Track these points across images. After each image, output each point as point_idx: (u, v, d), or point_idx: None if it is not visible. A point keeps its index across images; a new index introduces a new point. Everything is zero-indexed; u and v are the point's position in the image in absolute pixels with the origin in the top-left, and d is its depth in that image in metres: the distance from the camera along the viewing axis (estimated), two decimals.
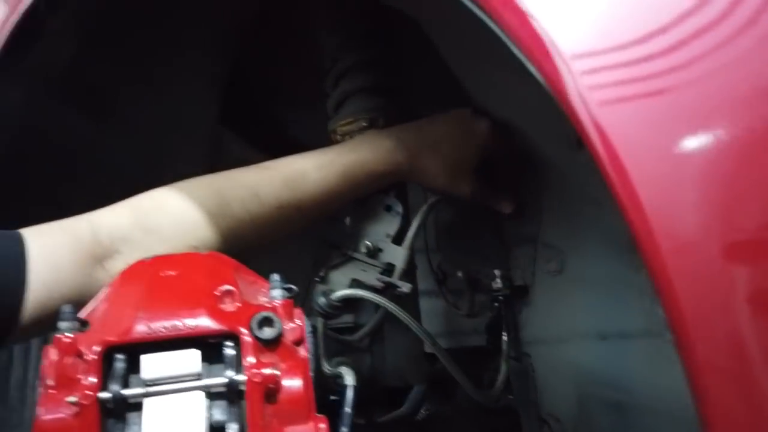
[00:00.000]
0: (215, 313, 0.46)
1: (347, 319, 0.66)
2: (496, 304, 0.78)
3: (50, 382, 0.45)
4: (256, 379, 0.44)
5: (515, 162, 0.76)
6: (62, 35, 0.77)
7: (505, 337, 0.75)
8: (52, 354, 0.46)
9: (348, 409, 0.48)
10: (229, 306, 0.48)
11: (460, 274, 0.83)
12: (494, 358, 0.79)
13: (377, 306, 0.66)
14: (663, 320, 0.35)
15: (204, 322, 0.46)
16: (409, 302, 0.69)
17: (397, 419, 0.91)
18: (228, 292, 0.49)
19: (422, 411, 0.92)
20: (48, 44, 0.73)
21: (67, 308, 0.48)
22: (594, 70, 0.42)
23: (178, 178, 0.65)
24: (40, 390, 0.45)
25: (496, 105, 0.72)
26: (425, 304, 0.92)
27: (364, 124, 0.73)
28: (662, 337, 0.59)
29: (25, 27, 0.70)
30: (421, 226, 0.69)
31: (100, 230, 0.58)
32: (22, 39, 0.73)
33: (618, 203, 0.38)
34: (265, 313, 0.47)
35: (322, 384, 0.62)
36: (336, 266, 0.67)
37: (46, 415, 0.43)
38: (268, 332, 0.46)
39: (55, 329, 0.58)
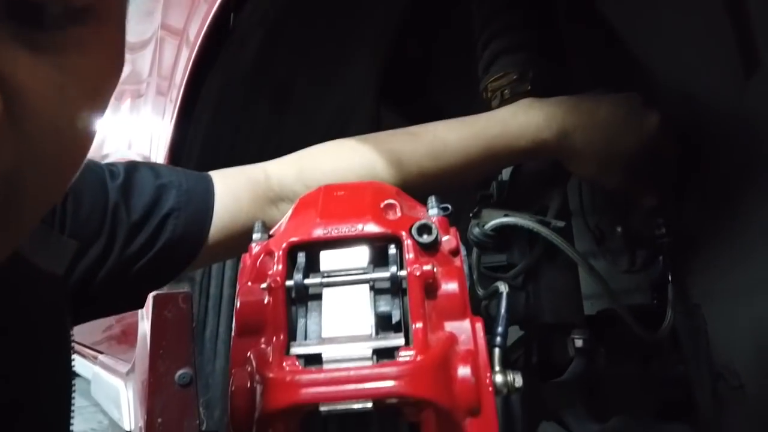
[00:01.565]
0: (380, 220, 0.52)
1: (501, 258, 0.68)
2: (661, 258, 0.75)
3: (246, 278, 0.53)
4: (416, 273, 0.48)
5: (679, 166, 0.71)
6: (247, 33, 0.91)
7: (670, 287, 0.71)
8: (248, 259, 0.55)
9: (503, 312, 0.51)
10: (392, 216, 0.53)
11: (619, 229, 0.81)
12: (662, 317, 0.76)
13: (531, 247, 0.68)
14: None
15: (371, 227, 0.51)
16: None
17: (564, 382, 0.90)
18: (390, 205, 0.54)
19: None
20: (235, 40, 0.87)
21: (259, 223, 0.57)
22: None
23: None
24: (239, 286, 0.54)
25: (659, 47, 0.70)
26: None
27: (515, 77, 0.75)
28: None
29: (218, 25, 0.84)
30: None
31: (271, 178, 0.69)
32: (215, 36, 0.88)
33: None
34: (423, 221, 0.52)
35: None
36: (489, 205, 0.70)
37: (245, 301, 0.51)
38: (426, 237, 0.51)
39: (236, 253, 0.68)
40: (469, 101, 0.90)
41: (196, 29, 0.90)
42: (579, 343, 0.93)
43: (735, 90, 0.62)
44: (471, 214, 0.69)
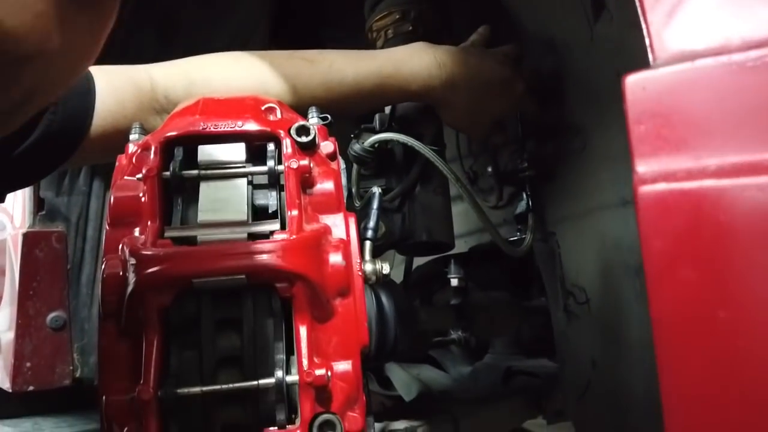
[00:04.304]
0: (260, 120, 0.54)
1: (380, 183, 0.72)
2: (524, 193, 0.82)
3: (122, 174, 0.53)
4: (292, 165, 0.51)
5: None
6: None
7: (530, 216, 0.79)
8: (123, 158, 0.55)
9: (374, 208, 0.54)
10: (272, 118, 0.55)
11: (489, 169, 0.88)
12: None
13: (407, 172, 0.72)
14: None
15: (250, 124, 0.53)
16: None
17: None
18: (271, 108, 0.56)
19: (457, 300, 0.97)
20: None
21: (137, 125, 0.57)
22: None
23: None
24: (113, 181, 0.53)
25: None
26: (459, 207, 0.97)
27: (398, 16, 0.79)
28: None
29: None
30: None
31: (158, 87, 0.65)
32: None
33: None
34: (302, 122, 0.54)
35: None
36: (370, 129, 0.73)
37: (118, 194, 0.51)
38: (304, 138, 0.53)
39: (114, 156, 0.64)
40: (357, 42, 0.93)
41: None
42: (455, 282, 0.99)
43: (586, 33, 0.70)
44: (352, 135, 0.73)
